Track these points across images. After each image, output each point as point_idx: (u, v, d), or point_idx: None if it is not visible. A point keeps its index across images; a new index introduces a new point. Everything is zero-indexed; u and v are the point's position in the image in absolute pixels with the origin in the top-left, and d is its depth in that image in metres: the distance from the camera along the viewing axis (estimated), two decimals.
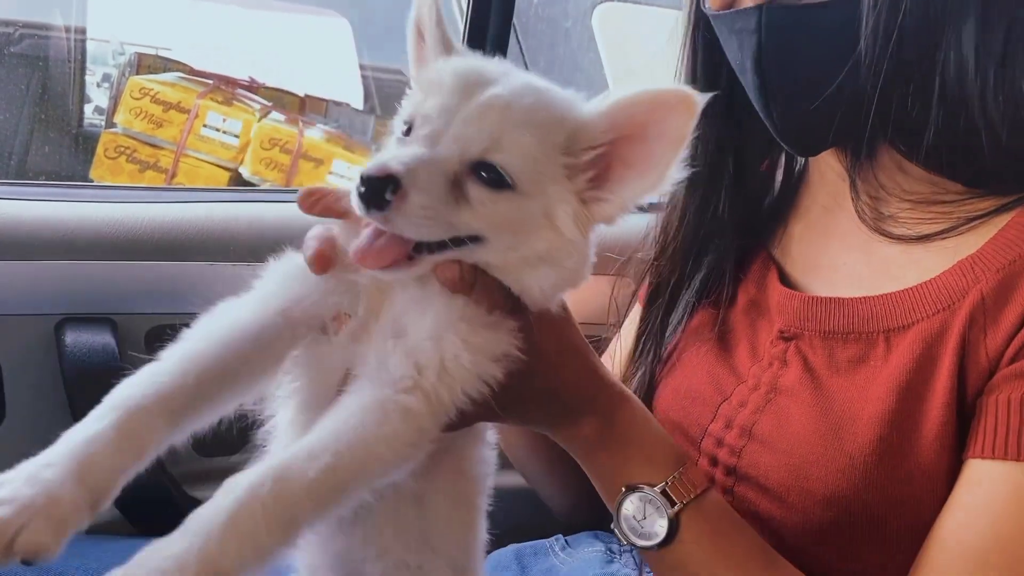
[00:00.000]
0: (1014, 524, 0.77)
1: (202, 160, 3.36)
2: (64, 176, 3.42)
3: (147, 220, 1.51)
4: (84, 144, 3.49)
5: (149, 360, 0.77)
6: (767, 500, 0.91)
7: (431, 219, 0.69)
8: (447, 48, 0.78)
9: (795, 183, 1.11)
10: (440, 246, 0.72)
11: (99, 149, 3.36)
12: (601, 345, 1.51)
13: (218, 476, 1.51)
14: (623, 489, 0.84)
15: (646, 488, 0.83)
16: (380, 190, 0.66)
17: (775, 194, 1.12)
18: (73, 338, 1.40)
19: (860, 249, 0.97)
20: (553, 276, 0.75)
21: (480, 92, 0.70)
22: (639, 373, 1.12)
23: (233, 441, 1.51)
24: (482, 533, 0.88)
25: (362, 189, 0.67)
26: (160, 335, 1.44)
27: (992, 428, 0.80)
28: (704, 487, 0.84)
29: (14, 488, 0.61)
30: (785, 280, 1.03)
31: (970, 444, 0.82)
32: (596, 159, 0.74)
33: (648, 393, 1.09)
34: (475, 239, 0.72)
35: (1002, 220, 0.87)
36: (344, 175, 3.39)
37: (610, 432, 0.85)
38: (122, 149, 3.34)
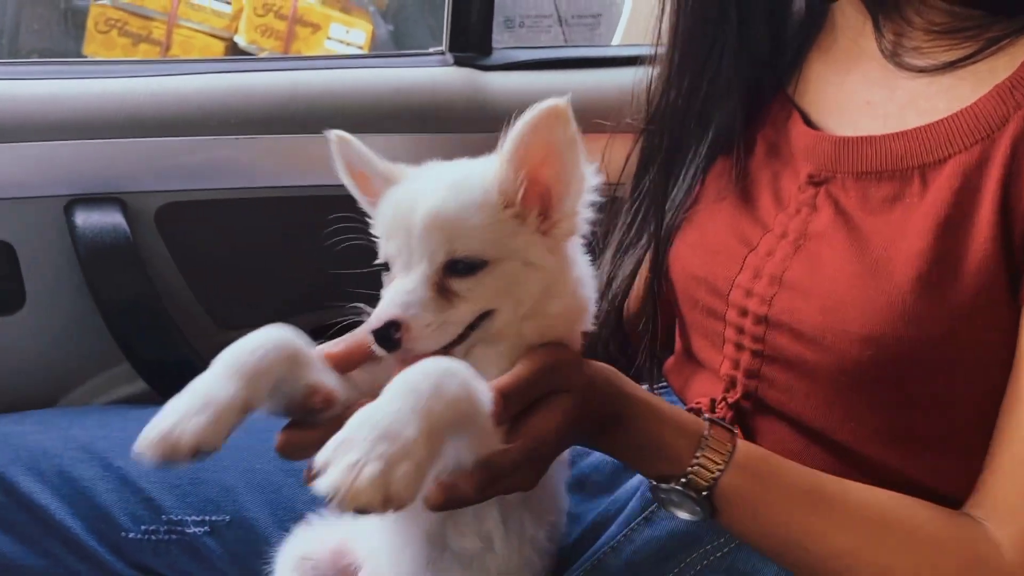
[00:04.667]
0: None
1: (195, 30, 3.27)
2: (57, 53, 3.34)
3: (147, 95, 1.48)
4: (74, 19, 3.39)
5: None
6: (800, 345, 0.89)
7: (438, 330, 0.78)
8: (387, 178, 0.88)
9: (813, 25, 1.06)
10: (461, 337, 0.80)
11: (89, 23, 3.27)
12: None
13: None
14: (652, 483, 0.87)
15: (669, 484, 0.85)
16: (388, 336, 0.76)
17: (789, 43, 1.07)
18: (83, 219, 1.40)
19: (886, 86, 0.93)
20: (561, 304, 0.83)
21: (415, 214, 0.80)
22: (641, 241, 1.10)
23: (255, 314, 1.56)
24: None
25: (375, 340, 0.77)
26: (170, 214, 1.47)
27: None
28: (725, 458, 0.84)
29: (177, 400, 0.72)
30: (808, 123, 0.99)
31: None
32: (527, 195, 0.81)
33: (657, 260, 1.07)
34: (484, 315, 0.81)
35: None
36: (343, 40, 3.31)
37: (627, 440, 0.86)
38: (113, 22, 3.26)
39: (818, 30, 1.05)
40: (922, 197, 0.85)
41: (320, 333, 1.56)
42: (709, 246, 1.01)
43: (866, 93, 0.95)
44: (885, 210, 0.88)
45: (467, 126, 1.52)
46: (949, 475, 0.87)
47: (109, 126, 1.43)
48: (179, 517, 1.07)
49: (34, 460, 1.10)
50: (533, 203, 0.82)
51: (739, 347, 0.96)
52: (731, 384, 0.97)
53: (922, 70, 0.88)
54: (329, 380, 0.79)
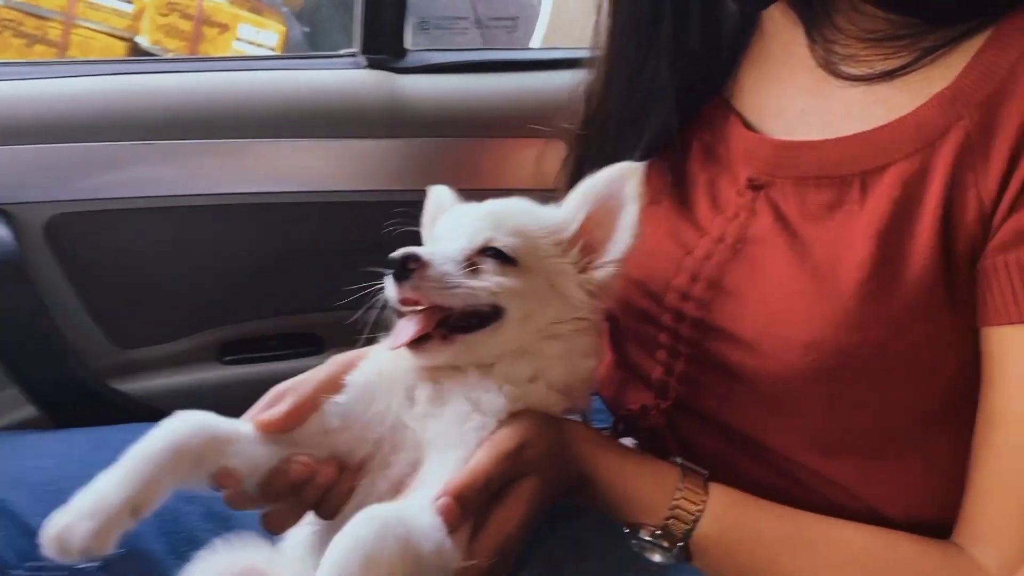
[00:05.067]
0: None
1: (94, 30, 3.14)
2: None
3: (37, 98, 1.40)
4: None
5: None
6: (739, 351, 0.89)
7: (452, 286, 0.82)
8: None
9: (746, 31, 1.05)
10: (465, 328, 0.84)
11: None
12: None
13: (139, 367, 1.49)
14: (627, 531, 0.87)
15: (644, 534, 0.86)
16: (404, 264, 0.80)
17: (724, 45, 1.06)
18: None
19: (821, 95, 0.93)
20: (562, 348, 0.88)
21: (476, 208, 0.90)
22: None
23: (155, 332, 1.49)
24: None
25: (391, 271, 0.81)
26: (61, 226, 1.39)
27: (1012, 290, 0.78)
28: (699, 507, 0.86)
29: (79, 498, 0.74)
30: (748, 126, 0.98)
31: (995, 312, 0.79)
32: (579, 234, 0.90)
33: None
34: (494, 314, 0.85)
35: (971, 48, 0.83)
36: (253, 41, 3.21)
37: (600, 497, 0.87)
38: (6, 23, 3.11)
39: (749, 36, 1.04)
40: (862, 205, 0.85)
41: (228, 350, 1.52)
42: (645, 248, 0.99)
43: (801, 101, 0.95)
44: (825, 217, 0.87)
45: (382, 131, 1.48)
46: (879, 483, 0.87)
47: None
48: None
49: None
50: (582, 240, 0.90)
51: (673, 353, 0.95)
52: (664, 391, 0.96)
53: (857, 79, 0.87)
54: (247, 450, 0.82)
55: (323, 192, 1.46)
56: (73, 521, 0.72)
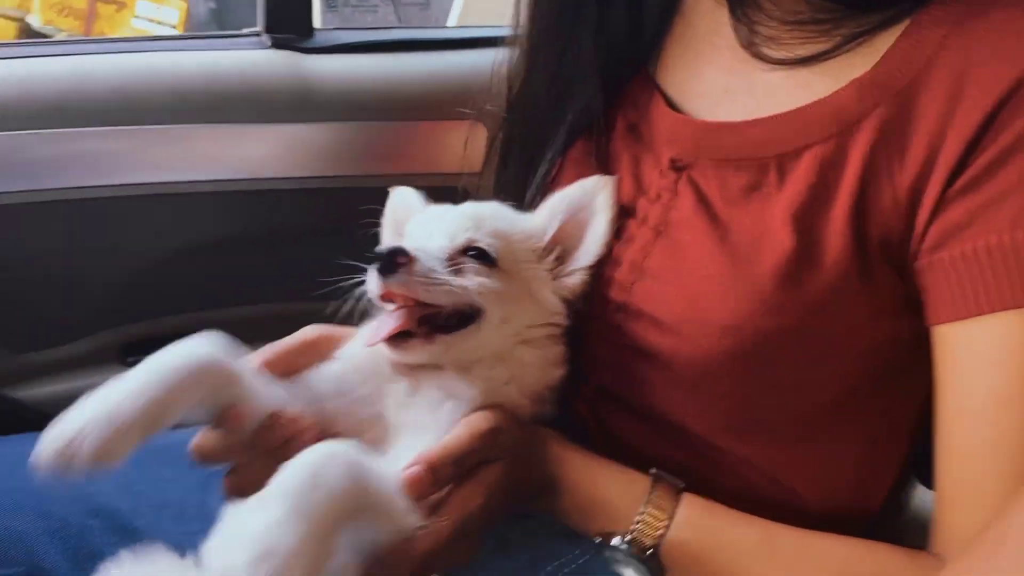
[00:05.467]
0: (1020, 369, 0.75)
1: None
2: None
3: None
4: None
5: None
6: (659, 333, 0.89)
7: (439, 283, 0.83)
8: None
9: (671, 7, 1.05)
10: (446, 328, 0.85)
11: None
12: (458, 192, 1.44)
13: (33, 372, 1.40)
14: (598, 542, 0.87)
15: (615, 542, 0.85)
16: (391, 258, 0.81)
17: (645, 23, 1.06)
18: None
19: (743, 76, 0.93)
20: (536, 356, 0.90)
21: (455, 209, 0.92)
22: None
23: (48, 334, 1.40)
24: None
25: (377, 265, 0.81)
26: None
27: (959, 286, 0.77)
28: (669, 514, 0.85)
29: (81, 409, 0.70)
30: (671, 106, 0.98)
31: (942, 309, 0.79)
32: (552, 241, 0.94)
33: None
34: (474, 314, 0.86)
35: (891, 36, 0.83)
36: (153, 18, 3.10)
37: (567, 500, 0.87)
38: None
39: (674, 12, 1.04)
40: (779, 188, 0.85)
41: (130, 350, 1.44)
42: None
43: (724, 80, 0.95)
44: (744, 200, 0.87)
45: (289, 115, 1.42)
46: (795, 466, 0.89)
47: None
48: None
49: None
50: (556, 248, 0.93)
51: (596, 337, 0.95)
52: (586, 375, 0.96)
53: (779, 62, 0.87)
54: (255, 393, 0.80)
55: (226, 181, 1.40)
56: (85, 428, 0.68)
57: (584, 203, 0.94)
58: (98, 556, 0.91)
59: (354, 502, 0.68)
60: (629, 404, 0.93)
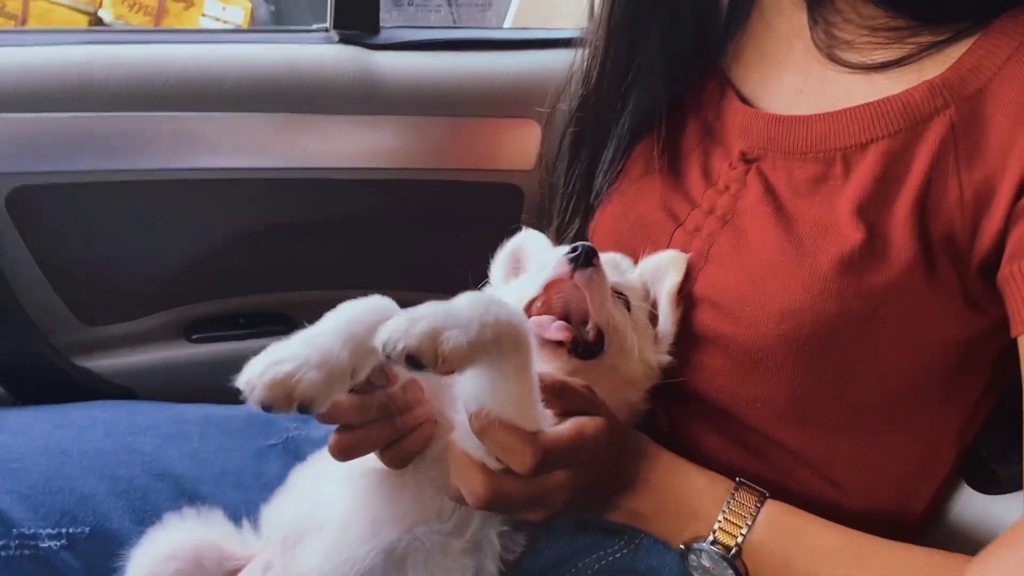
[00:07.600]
0: None
1: (55, 3, 3.06)
2: None
3: None
4: None
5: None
6: (719, 317, 0.90)
7: (607, 297, 0.87)
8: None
9: (746, 7, 1.07)
10: (587, 353, 0.86)
11: None
12: (525, 194, 1.47)
13: (104, 344, 1.46)
14: (682, 548, 0.86)
15: (700, 544, 0.85)
16: (591, 255, 0.84)
17: (721, 21, 1.08)
18: None
19: (818, 78, 0.94)
20: (639, 370, 0.91)
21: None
22: (568, 216, 1.12)
23: (122, 309, 1.45)
24: None
25: (576, 252, 0.84)
26: (23, 199, 1.34)
27: None
28: (752, 513, 0.85)
29: (293, 348, 0.69)
30: (744, 100, 1.01)
31: (1020, 320, 0.77)
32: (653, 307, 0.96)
33: (581, 232, 1.10)
34: (599, 346, 0.87)
35: (964, 46, 0.84)
36: (219, 17, 3.16)
37: (653, 498, 0.87)
38: None
39: (747, 15, 1.06)
40: (846, 180, 0.86)
41: (195, 328, 1.49)
42: (638, 220, 1.02)
43: (799, 81, 0.96)
44: (810, 191, 0.88)
45: (354, 107, 1.45)
46: (843, 461, 0.89)
47: None
48: (32, 531, 0.97)
49: None
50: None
51: None
52: None
53: (854, 66, 0.89)
54: None
55: (294, 169, 1.43)
56: (300, 369, 0.67)
57: (661, 276, 0.95)
58: (160, 518, 0.95)
59: (512, 344, 0.69)
60: (685, 392, 0.94)
